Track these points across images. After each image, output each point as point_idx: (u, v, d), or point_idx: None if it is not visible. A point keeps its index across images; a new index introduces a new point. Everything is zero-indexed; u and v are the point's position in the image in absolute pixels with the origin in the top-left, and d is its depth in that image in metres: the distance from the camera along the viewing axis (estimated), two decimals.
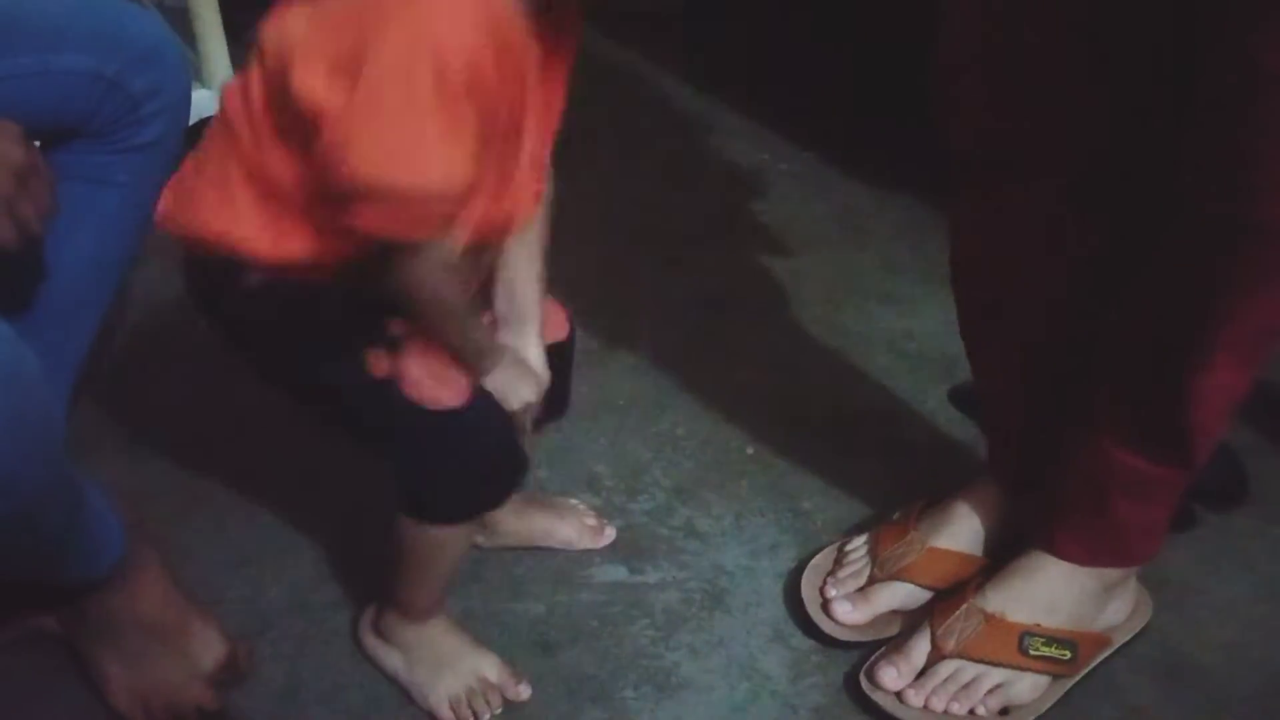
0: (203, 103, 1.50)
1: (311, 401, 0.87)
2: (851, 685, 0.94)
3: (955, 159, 0.90)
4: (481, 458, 0.84)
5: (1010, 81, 0.81)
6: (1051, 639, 0.92)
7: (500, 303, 0.84)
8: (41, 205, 0.79)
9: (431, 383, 0.79)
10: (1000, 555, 0.98)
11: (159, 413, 1.20)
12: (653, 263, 1.44)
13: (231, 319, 0.82)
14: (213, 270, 0.79)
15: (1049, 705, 0.93)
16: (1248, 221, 0.74)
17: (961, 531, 1.00)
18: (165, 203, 0.81)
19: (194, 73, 1.56)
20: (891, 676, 0.91)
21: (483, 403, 0.81)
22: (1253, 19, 0.67)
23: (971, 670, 0.91)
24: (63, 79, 0.90)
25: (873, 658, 0.94)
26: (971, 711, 0.90)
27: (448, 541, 0.88)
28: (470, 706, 0.91)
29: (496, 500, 0.89)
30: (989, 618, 0.92)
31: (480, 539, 1.03)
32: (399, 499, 0.86)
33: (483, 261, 0.82)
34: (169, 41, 0.97)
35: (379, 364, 0.78)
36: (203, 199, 0.77)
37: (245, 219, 0.75)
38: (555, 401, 0.91)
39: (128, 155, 0.95)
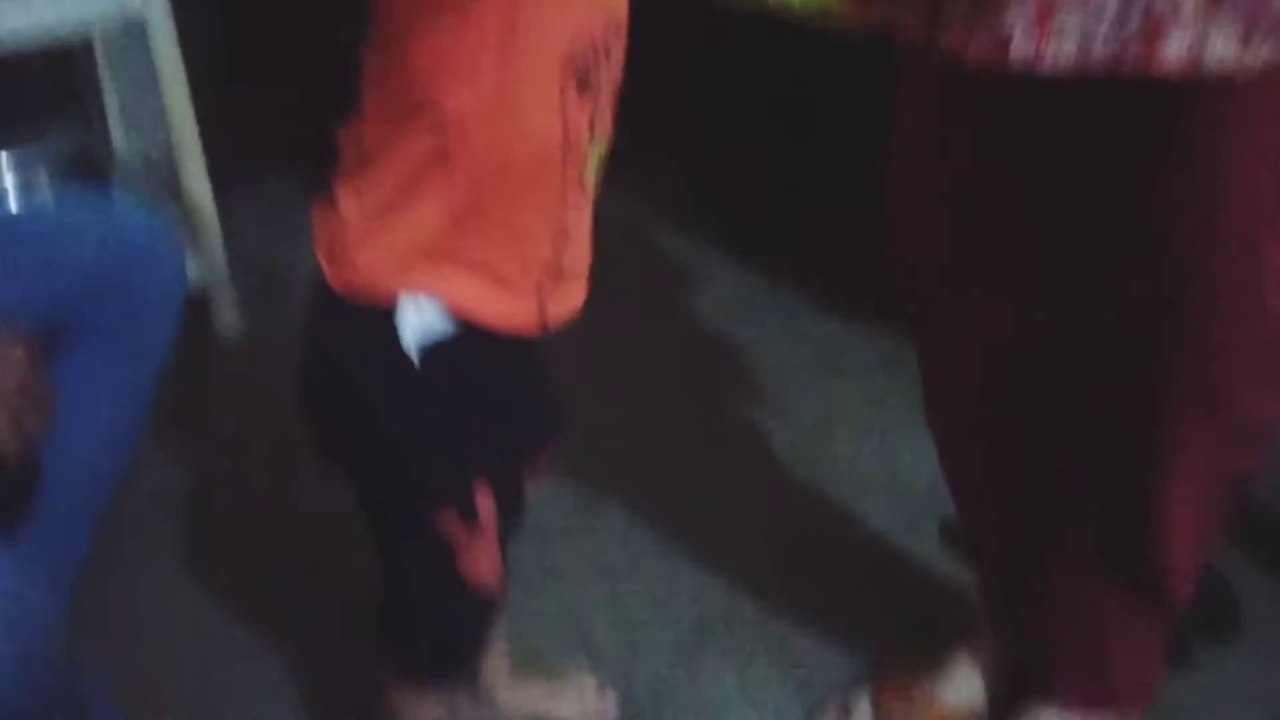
0: (195, 269, 1.55)
1: (357, 484, 0.84)
2: None
3: (913, 291, 0.94)
4: (475, 628, 0.87)
5: (964, 220, 0.85)
6: None
7: None
8: (46, 417, 0.81)
9: (487, 563, 0.81)
10: (1003, 705, 0.99)
11: (154, 597, 1.20)
12: (638, 406, 1.45)
13: (363, 383, 0.76)
14: (376, 325, 0.74)
15: None
16: (1186, 329, 0.76)
17: (963, 687, 1.00)
18: (349, 275, 0.74)
19: (185, 238, 1.61)
20: None
21: (503, 583, 0.84)
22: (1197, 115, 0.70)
23: None
24: (65, 283, 0.92)
25: None
26: None
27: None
28: None
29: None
30: None
31: None
32: (375, 627, 0.87)
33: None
34: (167, 238, 1.00)
35: (447, 523, 0.78)
36: (404, 237, 0.72)
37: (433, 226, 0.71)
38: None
39: (125, 351, 0.97)
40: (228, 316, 1.65)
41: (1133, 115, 0.73)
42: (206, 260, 1.59)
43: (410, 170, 0.71)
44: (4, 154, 1.41)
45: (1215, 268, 0.73)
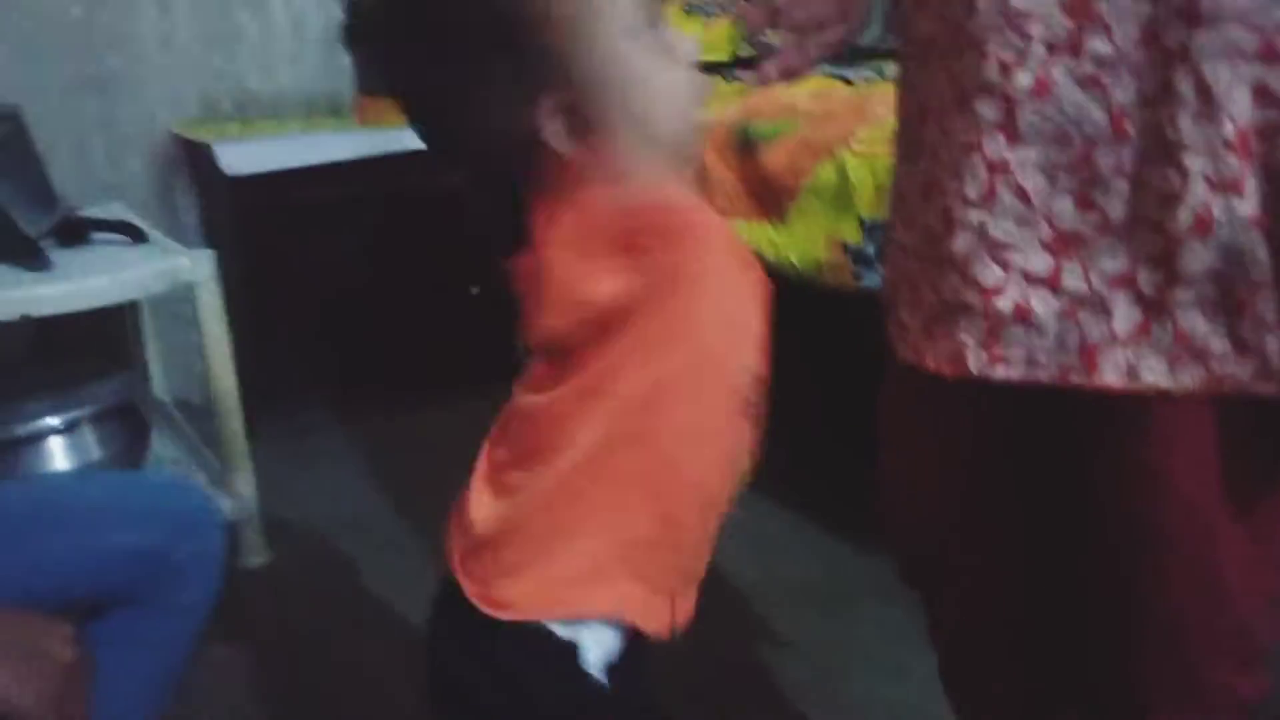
0: (226, 505, 1.61)
1: None
2: None
3: (914, 563, 0.98)
4: None
5: (947, 501, 0.91)
6: None
7: None
8: (86, 701, 0.85)
9: None
10: None
11: None
12: None
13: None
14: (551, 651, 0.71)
15: None
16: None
17: None
18: (504, 598, 0.70)
19: (218, 476, 1.68)
20: None
21: None
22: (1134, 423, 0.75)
23: None
24: (111, 557, 0.98)
25: None
26: None
27: None
28: None
29: None
30: None
31: None
32: None
33: None
34: (209, 509, 1.07)
35: None
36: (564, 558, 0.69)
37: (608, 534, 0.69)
38: None
39: (165, 617, 1.02)
40: (254, 547, 1.70)
41: (1085, 407, 0.78)
42: (237, 496, 1.65)
43: (588, 502, 0.69)
44: (52, 419, 1.50)
45: (1174, 552, 0.76)
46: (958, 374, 0.76)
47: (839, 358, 1.91)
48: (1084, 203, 0.69)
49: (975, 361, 0.75)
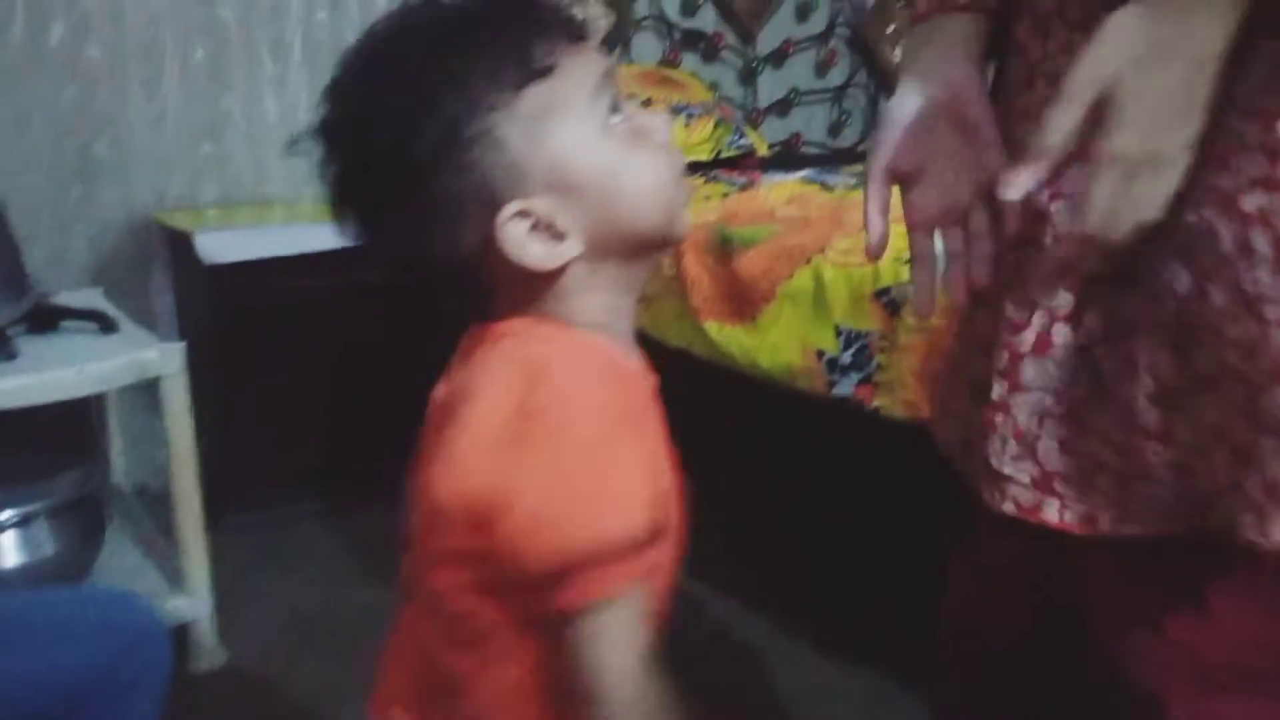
0: (180, 605, 1.57)
1: None
2: None
3: None
4: None
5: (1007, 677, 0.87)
6: None
7: None
8: None
9: None
10: None
11: None
12: None
13: None
14: None
15: None
16: None
17: None
18: None
19: (173, 574, 1.64)
20: None
21: None
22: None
23: None
24: (55, 678, 0.95)
25: None
26: None
27: None
28: None
29: None
30: None
31: None
32: None
33: None
34: (155, 623, 1.04)
35: None
36: None
37: None
38: None
39: None
40: (207, 650, 1.65)
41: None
42: (192, 596, 1.61)
43: None
44: (7, 511, 1.47)
45: None
46: (1087, 532, 0.74)
47: (816, 465, 1.89)
48: (1179, 357, 0.70)
49: (1106, 521, 0.73)
